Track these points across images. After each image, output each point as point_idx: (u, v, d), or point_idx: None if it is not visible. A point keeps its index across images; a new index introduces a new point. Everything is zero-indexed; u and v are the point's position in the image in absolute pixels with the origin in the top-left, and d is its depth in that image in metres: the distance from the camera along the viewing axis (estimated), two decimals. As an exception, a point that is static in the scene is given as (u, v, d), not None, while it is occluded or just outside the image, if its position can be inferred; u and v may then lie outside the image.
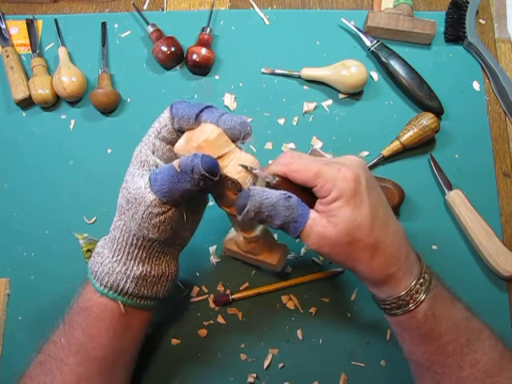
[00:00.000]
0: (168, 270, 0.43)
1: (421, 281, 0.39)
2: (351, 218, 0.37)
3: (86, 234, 0.56)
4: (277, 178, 0.39)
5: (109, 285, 0.40)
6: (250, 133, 0.38)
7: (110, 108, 0.62)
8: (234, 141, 0.39)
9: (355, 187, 0.37)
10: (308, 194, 0.39)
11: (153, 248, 0.41)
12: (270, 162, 0.41)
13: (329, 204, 0.38)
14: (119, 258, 0.41)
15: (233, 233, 0.50)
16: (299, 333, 0.53)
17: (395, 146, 0.59)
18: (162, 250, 0.42)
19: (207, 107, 0.38)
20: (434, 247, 0.57)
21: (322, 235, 0.38)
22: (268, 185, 0.39)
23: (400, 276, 0.39)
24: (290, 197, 0.38)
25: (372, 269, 0.39)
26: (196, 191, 0.37)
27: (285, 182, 0.39)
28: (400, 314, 0.40)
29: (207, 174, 0.35)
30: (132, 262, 0.41)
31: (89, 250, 0.54)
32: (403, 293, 0.39)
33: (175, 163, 0.36)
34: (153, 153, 0.40)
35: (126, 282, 0.40)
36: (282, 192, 0.38)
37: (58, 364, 0.41)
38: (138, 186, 0.38)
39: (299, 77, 0.64)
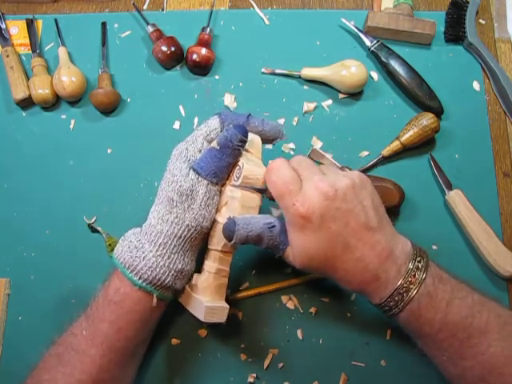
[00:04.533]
0: (194, 266, 0.46)
1: (397, 297, 0.39)
2: (303, 251, 0.41)
3: (104, 230, 0.57)
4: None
5: (150, 278, 0.41)
6: (284, 134, 0.48)
7: (110, 108, 0.62)
8: (271, 140, 0.48)
9: (303, 224, 0.39)
10: None
11: (197, 242, 0.44)
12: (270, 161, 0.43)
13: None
14: (164, 251, 0.42)
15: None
16: (299, 333, 0.53)
17: (395, 145, 0.59)
18: (198, 244, 0.45)
19: (249, 114, 0.46)
20: (434, 247, 0.57)
21: (292, 264, 0.43)
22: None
23: (370, 291, 0.41)
24: (273, 226, 0.42)
25: (340, 283, 0.42)
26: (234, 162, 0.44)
27: None
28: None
29: (244, 138, 0.42)
30: (176, 255, 0.43)
31: (110, 245, 0.55)
32: (378, 302, 0.41)
33: (214, 144, 0.43)
34: (199, 151, 0.44)
35: (168, 275, 0.42)
36: (267, 221, 0.41)
37: (79, 356, 0.41)
38: (190, 178, 0.42)
39: (299, 77, 0.64)
